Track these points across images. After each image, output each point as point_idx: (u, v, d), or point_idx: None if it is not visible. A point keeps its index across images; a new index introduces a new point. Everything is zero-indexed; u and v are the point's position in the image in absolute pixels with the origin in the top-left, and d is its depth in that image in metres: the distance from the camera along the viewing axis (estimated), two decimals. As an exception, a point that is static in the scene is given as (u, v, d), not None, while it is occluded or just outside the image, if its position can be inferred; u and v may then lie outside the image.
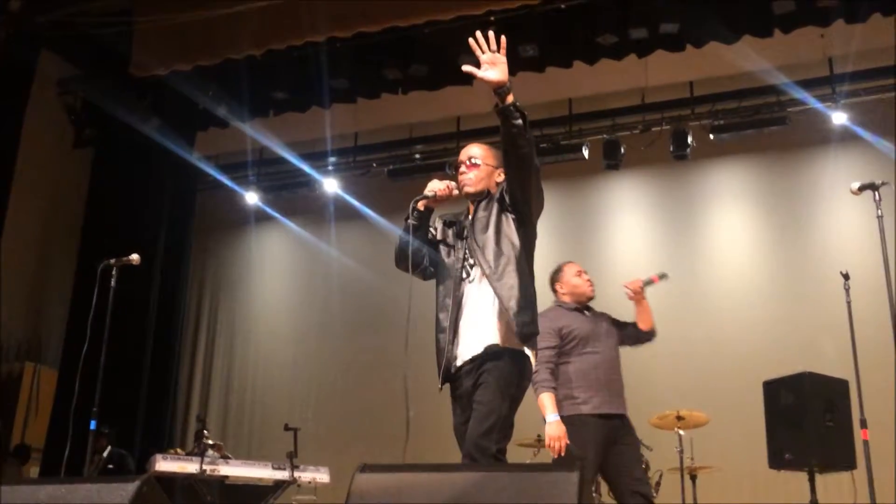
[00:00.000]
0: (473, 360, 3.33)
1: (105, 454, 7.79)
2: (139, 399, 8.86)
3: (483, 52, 3.25)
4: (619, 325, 4.79)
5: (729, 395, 7.50)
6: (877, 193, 4.14)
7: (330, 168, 10.17)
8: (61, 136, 9.55)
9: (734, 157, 9.16)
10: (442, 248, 3.54)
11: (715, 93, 8.82)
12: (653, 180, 9.51)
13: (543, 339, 4.25)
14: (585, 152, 9.00)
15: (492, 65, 3.24)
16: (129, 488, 3.80)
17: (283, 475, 6.51)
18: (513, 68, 8.36)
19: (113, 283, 5.19)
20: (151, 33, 8.21)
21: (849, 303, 5.38)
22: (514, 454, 7.00)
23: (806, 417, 5.74)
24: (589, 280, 4.83)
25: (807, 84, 8.34)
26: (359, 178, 10.30)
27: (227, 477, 6.57)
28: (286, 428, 6.58)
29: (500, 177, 3.53)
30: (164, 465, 6.52)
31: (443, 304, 3.49)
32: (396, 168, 9.88)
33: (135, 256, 5.26)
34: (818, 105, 8.37)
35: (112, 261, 5.26)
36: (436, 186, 3.48)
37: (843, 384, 5.70)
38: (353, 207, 10.31)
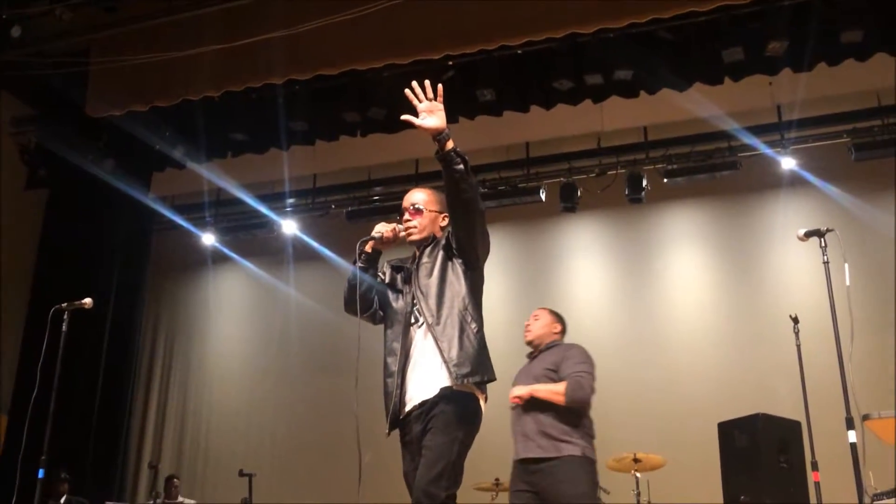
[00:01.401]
0: (423, 404, 3.27)
1: (62, 501, 7.60)
2: (89, 445, 8.64)
3: (420, 101, 3.28)
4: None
5: (685, 437, 7.55)
6: (822, 240, 4.24)
7: (288, 209, 10.14)
8: (14, 176, 9.40)
9: (688, 201, 9.33)
10: (390, 292, 3.52)
11: (668, 138, 9.00)
12: (609, 223, 9.63)
13: None
14: (543, 195, 9.10)
15: (429, 112, 3.27)
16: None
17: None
18: (471, 112, 8.53)
19: (64, 327, 5.08)
20: (107, 74, 8.16)
21: (798, 346, 5.50)
22: (471, 497, 6.97)
23: (760, 459, 5.81)
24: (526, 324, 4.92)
25: (757, 130, 8.55)
26: (317, 219, 10.28)
27: (178, 525, 6.44)
28: (241, 474, 6.48)
29: (444, 221, 3.53)
30: (115, 513, 6.38)
31: (391, 348, 3.43)
32: (355, 210, 9.88)
33: (87, 301, 5.16)
34: (768, 151, 8.57)
35: (64, 305, 5.16)
36: (382, 229, 3.49)
37: (795, 425, 5.79)
38: (312, 249, 10.28)
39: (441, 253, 3.42)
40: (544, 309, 4.92)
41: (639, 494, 6.46)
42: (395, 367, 3.37)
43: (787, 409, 5.89)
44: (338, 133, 8.64)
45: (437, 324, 3.28)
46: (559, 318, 4.89)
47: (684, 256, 9.31)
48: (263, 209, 10.03)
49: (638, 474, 6.46)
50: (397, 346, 3.38)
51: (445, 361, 3.22)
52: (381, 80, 7.98)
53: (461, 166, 3.21)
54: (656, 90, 7.77)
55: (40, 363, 5.09)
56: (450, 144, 3.24)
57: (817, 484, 5.00)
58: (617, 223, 9.56)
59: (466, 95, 7.94)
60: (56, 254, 9.10)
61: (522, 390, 4.48)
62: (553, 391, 4.40)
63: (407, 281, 3.49)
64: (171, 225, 10.35)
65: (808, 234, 4.33)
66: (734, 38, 7.21)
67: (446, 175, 3.24)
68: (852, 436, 3.87)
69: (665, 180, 8.86)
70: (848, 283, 4.11)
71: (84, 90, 8.37)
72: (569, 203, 9.09)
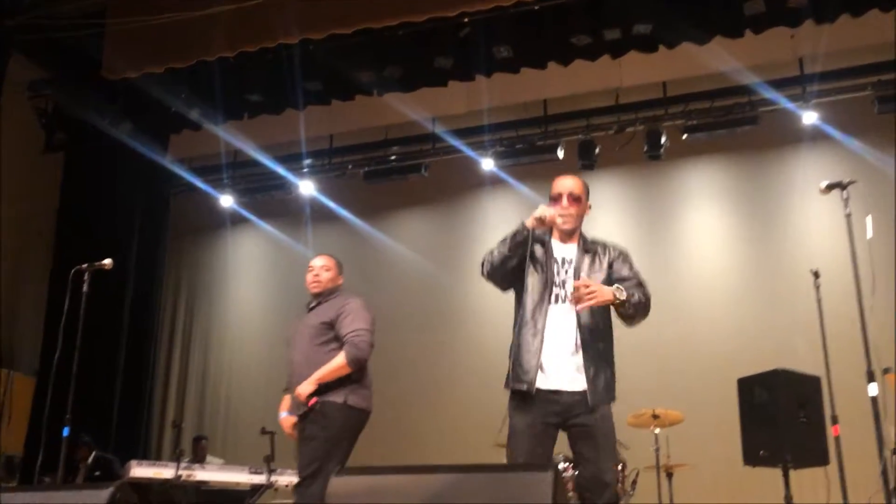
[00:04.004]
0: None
1: (90, 461, 7.74)
2: (113, 405, 8.78)
3: (579, 294, 3.40)
4: None
5: (704, 393, 7.56)
6: (844, 192, 4.19)
7: (305, 170, 10.14)
8: (32, 140, 9.43)
9: (707, 157, 9.24)
10: (530, 264, 3.64)
11: (688, 93, 8.89)
12: (628, 180, 9.57)
13: None
14: (560, 153, 9.04)
15: (592, 295, 3.38)
16: (103, 494, 3.78)
17: (259, 479, 6.50)
18: (488, 69, 8.45)
19: (85, 287, 5.14)
20: (123, 36, 8.13)
21: (819, 300, 5.46)
22: (491, 456, 7.05)
23: (779, 414, 5.81)
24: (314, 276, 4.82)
25: (778, 84, 8.42)
26: (334, 180, 10.28)
27: (203, 482, 6.55)
28: (263, 431, 6.55)
29: (588, 211, 3.75)
30: (140, 470, 6.48)
31: (531, 319, 3.57)
32: (372, 170, 9.87)
33: (107, 261, 5.21)
34: (789, 105, 8.45)
35: (84, 266, 5.21)
36: (547, 212, 3.55)
37: (815, 381, 5.76)
38: (330, 209, 10.30)
39: (604, 276, 3.59)
40: (332, 258, 4.89)
41: (658, 450, 6.50)
42: (537, 343, 3.52)
43: (807, 364, 5.86)
44: (353, 93, 8.59)
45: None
46: (341, 268, 4.90)
47: (703, 213, 9.24)
48: (280, 170, 10.04)
49: (657, 430, 6.50)
50: (539, 319, 3.54)
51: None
52: (396, 39, 7.90)
53: (635, 304, 3.48)
54: (676, 44, 7.66)
55: (62, 324, 5.15)
56: (622, 297, 3.44)
57: (837, 438, 5.00)
58: (636, 180, 9.50)
59: (483, 52, 7.85)
60: (76, 217, 9.16)
61: (306, 388, 4.38)
62: (334, 370, 4.42)
63: (551, 260, 3.63)
64: (189, 187, 10.39)
65: (830, 187, 4.28)
66: (756, -10, 7.08)
67: (633, 313, 3.53)
68: (873, 389, 3.86)
69: (684, 136, 8.77)
70: (870, 235, 4.07)
71: (100, 52, 8.36)
72: (587, 160, 9.03)
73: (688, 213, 9.28)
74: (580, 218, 3.71)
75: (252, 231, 10.81)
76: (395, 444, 8.81)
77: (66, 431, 4.94)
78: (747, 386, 6.13)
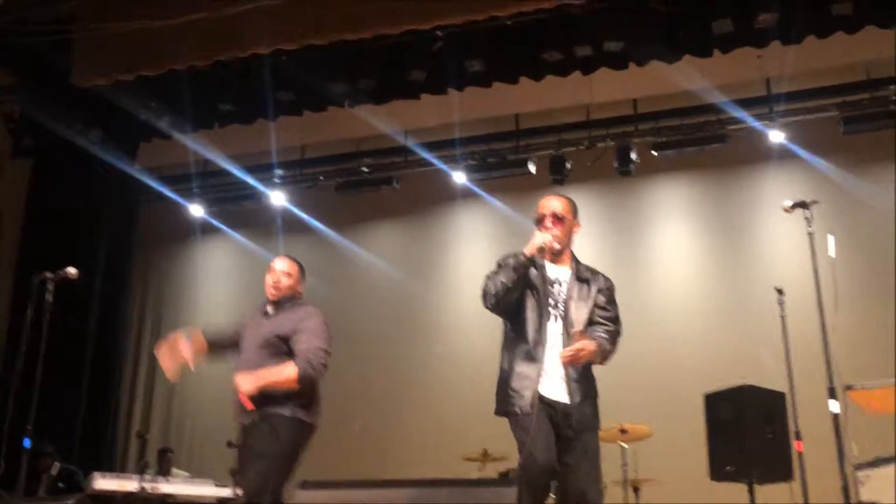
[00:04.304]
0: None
1: (54, 472, 7.61)
2: (77, 416, 8.65)
3: (568, 358, 3.51)
4: None
5: (671, 409, 7.60)
6: (807, 211, 4.25)
7: (276, 181, 10.10)
8: (-1, 144, 9.33)
9: (676, 174, 9.34)
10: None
11: (658, 110, 9.00)
12: (598, 195, 9.63)
13: None
14: (532, 167, 9.09)
15: (581, 352, 3.50)
16: (63, 508, 3.73)
17: (225, 493, 6.41)
18: (460, 83, 8.49)
19: (49, 297, 5.07)
20: (93, 43, 8.05)
21: (783, 317, 5.53)
22: (460, 468, 7.03)
23: (746, 430, 5.87)
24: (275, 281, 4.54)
25: (745, 103, 8.55)
26: (306, 191, 10.26)
27: (168, 495, 6.46)
28: (229, 445, 6.47)
29: (576, 229, 3.82)
30: (103, 483, 6.37)
31: (532, 337, 3.65)
32: (344, 181, 9.86)
33: (72, 270, 5.15)
34: (756, 124, 8.58)
35: (48, 274, 5.14)
36: (545, 239, 3.65)
37: (780, 397, 5.83)
38: (301, 220, 10.26)
39: (592, 305, 3.72)
40: (295, 264, 4.60)
41: (625, 465, 6.53)
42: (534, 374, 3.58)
43: (773, 379, 5.93)
44: (326, 104, 8.57)
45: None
46: (304, 275, 4.64)
47: (672, 229, 9.33)
48: (251, 180, 9.99)
49: (625, 445, 6.53)
50: (539, 348, 3.62)
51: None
52: (369, 51, 7.92)
53: (607, 354, 3.66)
54: (646, 62, 7.74)
55: (25, 333, 5.08)
56: (597, 357, 3.61)
57: (800, 454, 5.05)
58: (606, 196, 9.56)
59: (456, 66, 7.89)
60: (42, 224, 9.04)
61: (248, 384, 4.09)
62: (281, 381, 4.14)
63: (546, 283, 3.70)
64: (159, 196, 10.29)
65: (794, 206, 4.35)
66: (724, 10, 7.16)
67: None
68: (834, 406, 3.91)
69: (654, 153, 8.86)
70: (832, 254, 4.13)
71: (69, 59, 8.28)
72: (558, 175, 9.08)
73: (657, 229, 9.36)
74: (567, 237, 3.77)
75: (222, 241, 10.73)
76: (363, 457, 8.77)
77: (27, 443, 4.86)
78: (714, 401, 6.19)
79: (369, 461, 8.65)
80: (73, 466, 7.81)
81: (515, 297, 3.62)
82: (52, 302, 5.11)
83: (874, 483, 5.29)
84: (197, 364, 4.29)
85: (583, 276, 3.76)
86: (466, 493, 2.88)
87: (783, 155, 8.64)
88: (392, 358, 9.48)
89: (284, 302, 4.48)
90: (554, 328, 3.63)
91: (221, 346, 4.63)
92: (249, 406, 4.03)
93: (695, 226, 9.27)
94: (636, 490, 6.71)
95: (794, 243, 7.66)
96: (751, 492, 5.75)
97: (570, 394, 3.56)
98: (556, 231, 3.70)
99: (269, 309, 4.49)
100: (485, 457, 6.90)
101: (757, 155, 8.83)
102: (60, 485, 7.52)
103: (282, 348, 4.27)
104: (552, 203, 3.76)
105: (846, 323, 5.31)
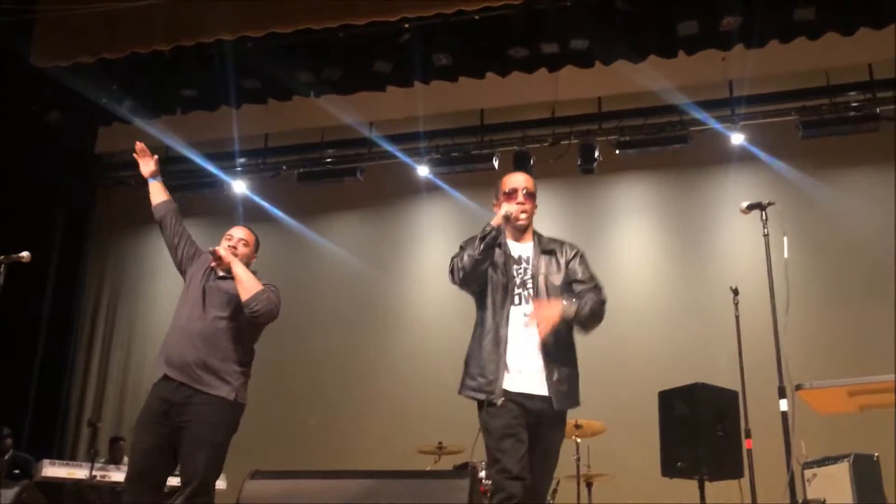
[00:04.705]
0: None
1: (7, 457, 7.50)
2: (28, 402, 8.52)
3: (535, 319, 3.37)
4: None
5: (625, 405, 7.67)
6: (763, 213, 4.31)
7: (239, 169, 10.01)
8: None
9: (638, 173, 9.41)
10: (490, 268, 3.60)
11: (622, 110, 9.06)
12: (560, 192, 9.67)
13: None
14: (496, 162, 9.11)
15: (547, 319, 3.35)
16: (8, 494, 3.67)
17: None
18: (426, 76, 8.47)
19: (0, 280, 4.97)
20: (54, 23, 7.92)
21: (737, 317, 5.61)
22: (416, 461, 7.03)
23: (698, 427, 5.95)
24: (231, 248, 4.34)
25: (708, 105, 8.66)
26: (268, 180, 10.17)
27: (118, 483, 6.39)
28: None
29: (535, 210, 3.74)
30: (52, 470, 6.30)
31: (496, 323, 3.51)
32: (307, 171, 9.80)
33: (25, 254, 5.04)
34: (718, 126, 8.69)
35: (0, 258, 5.04)
36: (511, 209, 3.58)
37: (733, 395, 5.92)
38: (262, 209, 10.17)
39: (562, 277, 3.59)
40: (252, 233, 4.49)
41: (579, 460, 6.58)
42: (500, 351, 3.45)
43: (726, 378, 6.01)
44: (290, 93, 8.53)
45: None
46: (258, 247, 4.53)
47: (633, 228, 9.41)
48: (213, 168, 9.88)
49: (579, 440, 6.58)
50: (502, 325, 3.49)
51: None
52: (335, 41, 7.88)
53: (586, 315, 3.47)
54: (611, 61, 7.81)
55: (-24, 317, 4.99)
56: (573, 313, 3.43)
57: (749, 451, 5.14)
58: (568, 193, 9.61)
59: (422, 59, 7.88)
60: (-4, 207, 8.88)
61: (226, 252, 4.10)
62: (252, 282, 4.07)
63: (510, 261, 3.60)
64: (118, 180, 10.14)
65: (750, 207, 4.39)
66: (689, 12, 7.27)
67: (588, 323, 3.54)
68: (784, 404, 3.97)
69: (617, 151, 8.93)
70: (787, 255, 4.19)
71: (29, 40, 8.12)
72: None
73: (617, 227, 9.43)
74: (531, 215, 3.70)
75: (181, 228, 10.59)
76: (318, 449, 8.75)
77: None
78: (667, 399, 6.26)
79: (325, 453, 8.62)
80: (27, 455, 7.70)
81: (482, 271, 3.51)
82: (2, 286, 5.01)
83: (821, 481, 5.40)
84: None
85: (547, 248, 3.66)
86: (420, 485, 2.88)
87: (744, 157, 8.77)
88: (350, 349, 9.46)
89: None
90: (518, 312, 3.49)
91: (172, 216, 4.75)
92: (226, 262, 4.07)
93: (655, 225, 9.36)
94: (589, 485, 6.76)
95: (750, 244, 7.78)
96: (701, 488, 5.83)
97: (540, 382, 3.40)
98: (528, 206, 3.65)
99: (222, 272, 4.27)
100: (440, 449, 6.91)
101: (718, 156, 8.94)
102: (16, 472, 7.41)
103: (238, 311, 4.08)
104: (523, 179, 3.70)
105: (798, 323, 5.41)
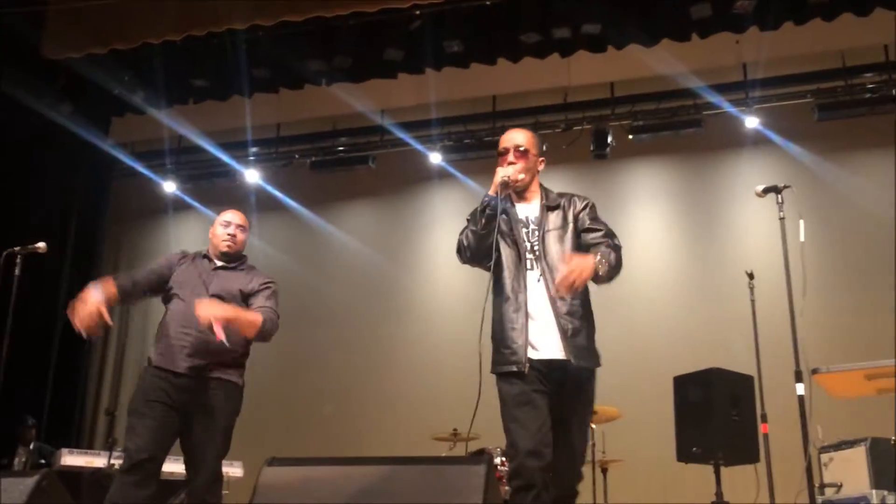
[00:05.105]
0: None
1: (31, 447, 7.59)
2: (46, 392, 8.58)
3: (565, 286, 3.14)
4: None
5: (640, 390, 7.67)
6: (779, 196, 4.28)
7: (251, 158, 10.02)
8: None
9: (652, 158, 9.37)
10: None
11: (635, 94, 9.01)
12: (573, 178, 9.61)
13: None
14: (508, 149, 9.07)
15: (577, 276, 3.11)
16: (28, 483, 3.70)
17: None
18: (437, 63, 8.44)
19: (17, 271, 5.02)
20: (65, 15, 7.94)
21: (753, 301, 5.59)
22: (431, 448, 7.06)
23: (713, 412, 5.93)
24: (231, 235, 4.23)
25: (722, 89, 8.59)
26: (280, 169, 10.19)
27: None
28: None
29: (541, 165, 3.52)
30: (71, 459, 6.36)
31: (513, 292, 3.31)
32: (319, 160, 9.80)
33: (41, 245, 5.10)
34: (732, 109, 8.63)
35: (17, 248, 5.08)
36: (507, 172, 3.34)
37: (748, 380, 5.90)
38: (275, 198, 10.20)
39: (573, 233, 3.37)
40: (245, 219, 4.36)
41: (594, 445, 6.58)
42: (521, 319, 3.27)
43: (742, 363, 5.99)
44: (302, 82, 8.51)
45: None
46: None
47: (647, 213, 9.37)
48: (225, 157, 9.91)
49: (594, 426, 6.57)
50: (520, 293, 3.30)
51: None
52: (346, 29, 7.86)
53: (607, 267, 3.21)
54: (624, 45, 7.74)
55: (-7, 308, 5.03)
56: (601, 267, 3.18)
57: (766, 435, 5.12)
58: (581, 179, 9.55)
59: (433, 46, 7.85)
60: (11, 199, 8.91)
61: (216, 311, 3.71)
62: (249, 322, 3.88)
63: (517, 225, 3.38)
64: (131, 172, 10.19)
65: (766, 191, 4.37)
66: (702, -6, 7.20)
67: (610, 275, 3.28)
68: (800, 389, 3.95)
69: (630, 137, 8.89)
70: (802, 239, 4.16)
71: (41, 31, 8.14)
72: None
73: (631, 212, 9.39)
74: (532, 172, 3.46)
75: (194, 218, 10.63)
76: (334, 436, 8.79)
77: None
78: (682, 384, 6.24)
79: (340, 440, 8.66)
80: (48, 445, 7.78)
81: (489, 245, 3.30)
82: (20, 276, 5.05)
83: (837, 465, 5.38)
84: (111, 313, 3.83)
85: (554, 203, 3.44)
86: (435, 471, 2.88)
87: (758, 140, 8.71)
88: (364, 337, 9.48)
89: (237, 257, 4.26)
90: (533, 276, 3.29)
91: (136, 291, 4.18)
92: (220, 337, 3.66)
93: (669, 210, 9.32)
94: (604, 471, 6.77)
95: (765, 228, 7.74)
96: (717, 473, 5.82)
97: (559, 345, 3.21)
98: (519, 165, 3.40)
99: (220, 262, 4.21)
100: (455, 436, 6.93)
101: (732, 140, 8.89)
102: (42, 461, 7.50)
103: (242, 305, 4.03)
104: (515, 136, 3.49)
105: (814, 307, 5.37)
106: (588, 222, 3.40)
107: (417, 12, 7.62)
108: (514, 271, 3.30)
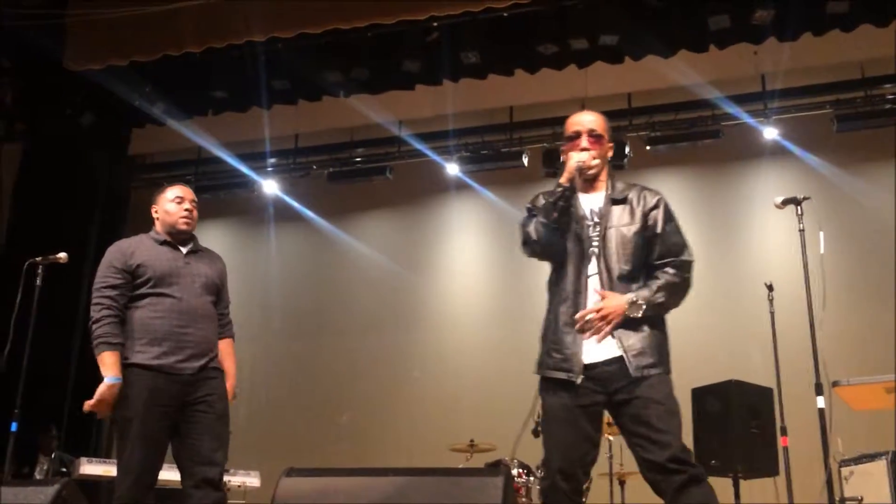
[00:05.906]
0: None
1: (52, 456, 7.64)
2: (65, 401, 8.63)
3: (587, 326, 2.94)
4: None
5: (659, 402, 7.60)
6: (799, 208, 4.27)
7: (269, 169, 10.08)
8: (-10, 129, 9.27)
9: (670, 169, 9.33)
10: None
11: (652, 105, 8.99)
12: (590, 189, 9.65)
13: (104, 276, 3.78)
14: (525, 160, 9.08)
15: (604, 318, 2.93)
16: (49, 492, 3.73)
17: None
18: (455, 74, 8.47)
19: (38, 281, 5.06)
20: (86, 27, 8.03)
21: (772, 313, 5.55)
22: (448, 459, 7.04)
23: (731, 424, 5.90)
24: (188, 211, 3.92)
25: (740, 99, 8.56)
26: (298, 179, 10.23)
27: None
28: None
29: (610, 153, 3.22)
30: (90, 468, 6.39)
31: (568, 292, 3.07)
32: (337, 171, 9.84)
33: (62, 255, 5.14)
34: (750, 120, 8.59)
35: (38, 259, 5.13)
36: (581, 158, 3.03)
37: (767, 392, 5.86)
38: (293, 209, 10.25)
39: (638, 229, 3.10)
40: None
41: (611, 457, 6.55)
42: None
43: (761, 375, 5.96)
44: (320, 93, 8.57)
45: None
46: None
47: (664, 224, 9.33)
48: (244, 168, 9.96)
49: (611, 438, 6.54)
50: (581, 292, 3.05)
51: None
52: (364, 41, 7.91)
53: (659, 304, 3.07)
54: (641, 56, 7.75)
55: (13, 319, 5.06)
56: (633, 313, 2.98)
57: (786, 449, 5.08)
58: (599, 190, 9.57)
59: (450, 57, 7.88)
60: (32, 209, 9.01)
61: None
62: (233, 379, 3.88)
63: (581, 220, 3.10)
64: (151, 182, 10.25)
65: (785, 202, 4.36)
66: (720, 6, 7.20)
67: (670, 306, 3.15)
68: (821, 401, 3.93)
69: (648, 147, 8.86)
70: (822, 251, 4.14)
71: (62, 43, 8.24)
72: (551, 168, 9.06)
73: (649, 223, 9.36)
74: (605, 160, 3.15)
75: (213, 229, 10.69)
76: (350, 447, 8.79)
77: (13, 427, 4.86)
78: (701, 396, 6.21)
79: (357, 450, 8.67)
80: (69, 455, 7.83)
81: (561, 238, 3.04)
82: (41, 286, 5.09)
83: (858, 479, 5.33)
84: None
85: (620, 196, 3.11)
86: (453, 482, 2.88)
87: (776, 151, 8.67)
88: (381, 348, 9.50)
89: (192, 237, 4.01)
90: (592, 272, 3.03)
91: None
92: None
93: (687, 221, 9.07)
94: (622, 483, 6.73)
95: (785, 239, 7.71)
96: (735, 486, 5.78)
97: (611, 346, 2.95)
98: (594, 151, 3.08)
99: (183, 247, 3.95)
100: (472, 447, 6.91)
101: (750, 151, 8.85)
102: (63, 469, 7.54)
103: (215, 297, 3.93)
104: (588, 119, 3.14)
105: (834, 319, 5.35)
106: (659, 228, 3.14)
107: (435, 24, 7.66)
108: (577, 269, 3.04)
